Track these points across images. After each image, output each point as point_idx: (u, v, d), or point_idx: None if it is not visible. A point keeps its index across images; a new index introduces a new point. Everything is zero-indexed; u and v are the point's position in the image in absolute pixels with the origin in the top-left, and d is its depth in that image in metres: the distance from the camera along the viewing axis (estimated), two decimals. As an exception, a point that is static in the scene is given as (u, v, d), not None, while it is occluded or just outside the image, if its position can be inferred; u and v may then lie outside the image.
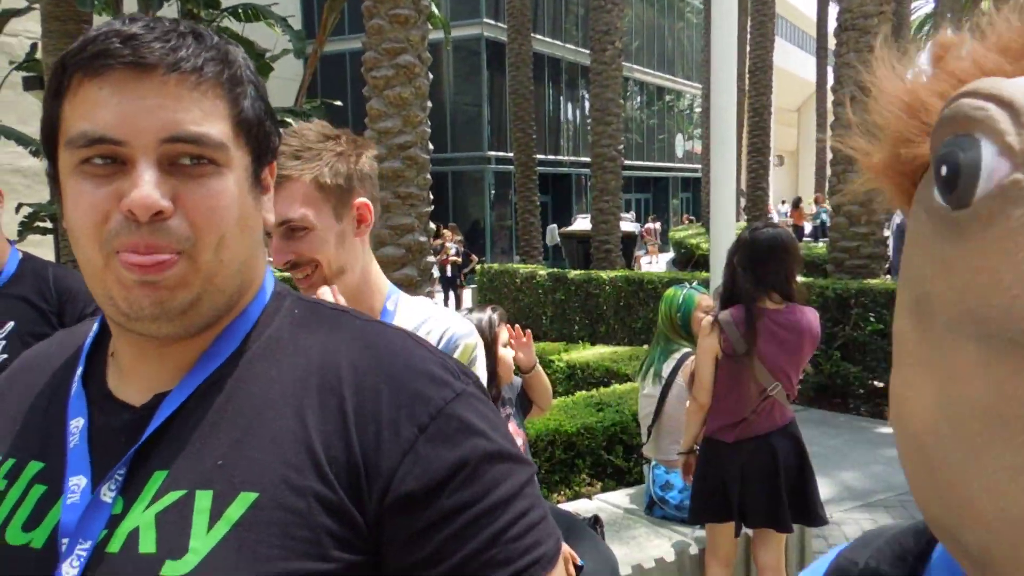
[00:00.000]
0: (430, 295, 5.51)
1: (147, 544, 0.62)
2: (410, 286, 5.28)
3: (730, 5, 4.22)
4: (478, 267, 12.84)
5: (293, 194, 1.26)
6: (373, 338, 0.73)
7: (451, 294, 13.82)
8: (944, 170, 0.31)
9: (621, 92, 14.05)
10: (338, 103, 12.43)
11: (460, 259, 14.09)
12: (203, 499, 0.64)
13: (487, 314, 2.50)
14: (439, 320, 1.39)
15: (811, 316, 2.73)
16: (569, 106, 26.80)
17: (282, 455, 0.65)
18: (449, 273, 13.76)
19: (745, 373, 2.70)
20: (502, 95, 20.85)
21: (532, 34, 16.89)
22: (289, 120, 10.77)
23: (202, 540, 0.62)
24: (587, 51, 15.53)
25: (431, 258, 5.51)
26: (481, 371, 1.42)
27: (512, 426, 2.54)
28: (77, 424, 0.71)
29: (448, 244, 13.96)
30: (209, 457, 0.66)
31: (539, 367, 2.59)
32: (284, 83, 12.84)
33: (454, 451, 0.66)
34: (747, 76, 18.48)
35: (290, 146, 1.28)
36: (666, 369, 3.42)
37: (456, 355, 1.33)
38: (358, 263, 1.34)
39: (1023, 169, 0.29)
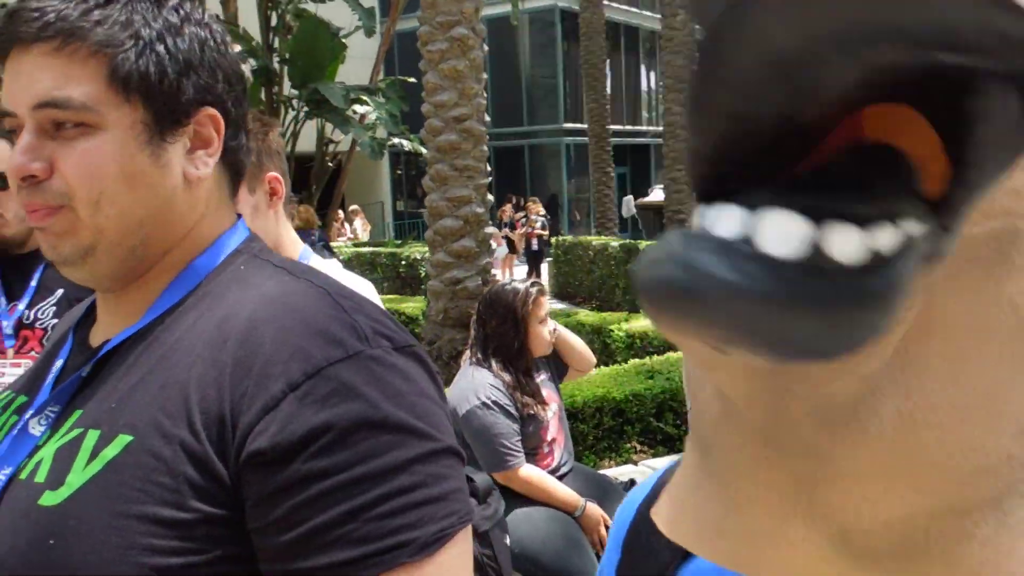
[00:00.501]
0: (489, 267, 5.58)
1: (42, 474, 0.67)
2: (468, 257, 5.35)
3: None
4: (552, 240, 12.78)
5: None
6: (284, 293, 0.73)
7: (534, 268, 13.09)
8: None
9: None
10: (411, 80, 12.53)
11: (545, 232, 13.44)
12: (91, 438, 0.67)
13: (523, 286, 2.47)
14: None
15: None
16: (651, 75, 26.27)
17: (162, 402, 0.66)
18: (536, 246, 13.04)
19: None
20: (577, 66, 20.62)
21: (608, 2, 16.61)
22: (365, 98, 10.90)
23: (78, 475, 0.65)
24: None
25: (489, 228, 5.56)
26: None
27: (546, 391, 2.57)
28: (57, 366, 0.79)
29: (533, 216, 13.30)
30: (110, 399, 0.70)
31: (560, 328, 2.60)
32: (363, 62, 13.06)
33: (320, 414, 0.62)
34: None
35: None
36: (709, 335, 3.38)
37: None
38: (271, 234, 1.45)
39: None
